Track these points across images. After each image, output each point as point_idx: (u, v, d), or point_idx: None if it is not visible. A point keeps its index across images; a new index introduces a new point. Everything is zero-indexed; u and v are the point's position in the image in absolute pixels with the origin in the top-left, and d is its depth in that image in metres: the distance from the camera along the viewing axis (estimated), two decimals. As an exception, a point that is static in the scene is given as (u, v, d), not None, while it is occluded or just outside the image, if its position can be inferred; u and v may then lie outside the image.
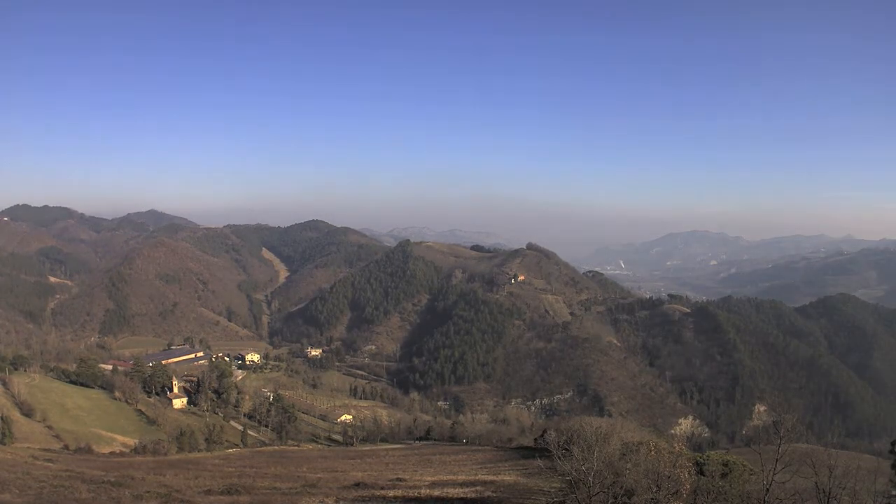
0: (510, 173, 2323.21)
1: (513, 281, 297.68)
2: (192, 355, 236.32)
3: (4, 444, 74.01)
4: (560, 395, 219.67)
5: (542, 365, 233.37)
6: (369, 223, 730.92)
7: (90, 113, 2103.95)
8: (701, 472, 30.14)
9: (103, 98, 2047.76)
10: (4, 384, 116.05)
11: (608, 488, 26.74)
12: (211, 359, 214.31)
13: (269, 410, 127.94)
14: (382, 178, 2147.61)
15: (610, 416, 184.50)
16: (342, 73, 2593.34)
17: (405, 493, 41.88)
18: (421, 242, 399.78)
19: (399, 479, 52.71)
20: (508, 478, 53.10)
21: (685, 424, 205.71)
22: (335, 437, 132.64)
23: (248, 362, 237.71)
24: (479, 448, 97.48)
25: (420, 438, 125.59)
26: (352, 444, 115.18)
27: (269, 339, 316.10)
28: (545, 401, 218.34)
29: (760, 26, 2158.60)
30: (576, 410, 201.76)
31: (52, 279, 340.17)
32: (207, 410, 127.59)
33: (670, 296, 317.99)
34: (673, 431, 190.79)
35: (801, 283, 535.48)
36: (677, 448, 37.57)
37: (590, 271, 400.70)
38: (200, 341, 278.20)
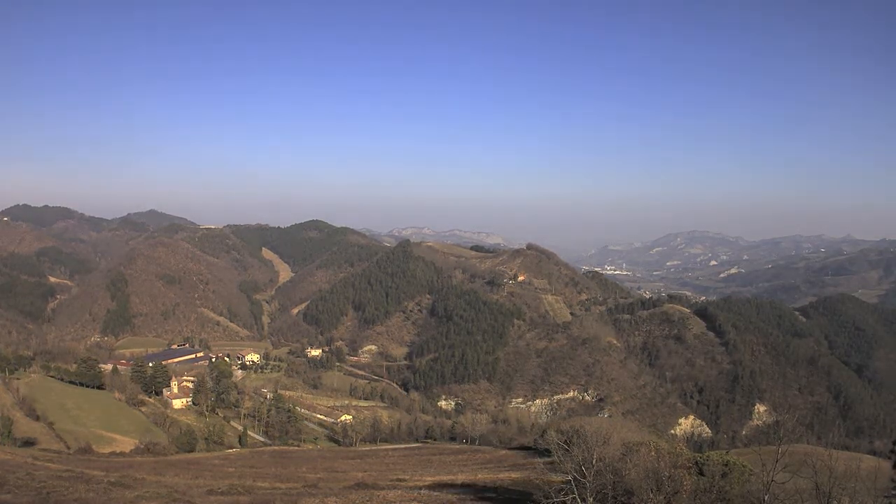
0: (511, 174, 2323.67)
1: (513, 281, 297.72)
2: (193, 355, 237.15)
3: (4, 445, 73.99)
4: (561, 396, 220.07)
5: (542, 365, 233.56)
6: (369, 223, 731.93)
7: (90, 112, 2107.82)
8: (701, 473, 30.13)
9: (104, 97, 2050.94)
10: (5, 384, 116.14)
11: (608, 488, 26.78)
12: (211, 359, 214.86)
13: (269, 410, 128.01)
14: (382, 178, 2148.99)
15: (610, 416, 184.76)
16: (343, 72, 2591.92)
17: (406, 494, 41.88)
18: (421, 242, 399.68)
19: (399, 480, 52.74)
20: (508, 477, 53.12)
21: (685, 424, 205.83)
22: (335, 437, 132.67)
23: (248, 362, 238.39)
24: (480, 448, 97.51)
25: (421, 438, 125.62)
26: (352, 445, 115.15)
27: (269, 339, 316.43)
28: (546, 401, 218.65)
29: (759, 25, 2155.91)
30: (576, 410, 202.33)
31: (52, 279, 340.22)
32: (208, 410, 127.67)
33: (670, 296, 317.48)
34: (673, 431, 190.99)
35: (802, 283, 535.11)
36: (677, 448, 37.57)
37: (590, 271, 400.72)
38: (201, 341, 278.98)
